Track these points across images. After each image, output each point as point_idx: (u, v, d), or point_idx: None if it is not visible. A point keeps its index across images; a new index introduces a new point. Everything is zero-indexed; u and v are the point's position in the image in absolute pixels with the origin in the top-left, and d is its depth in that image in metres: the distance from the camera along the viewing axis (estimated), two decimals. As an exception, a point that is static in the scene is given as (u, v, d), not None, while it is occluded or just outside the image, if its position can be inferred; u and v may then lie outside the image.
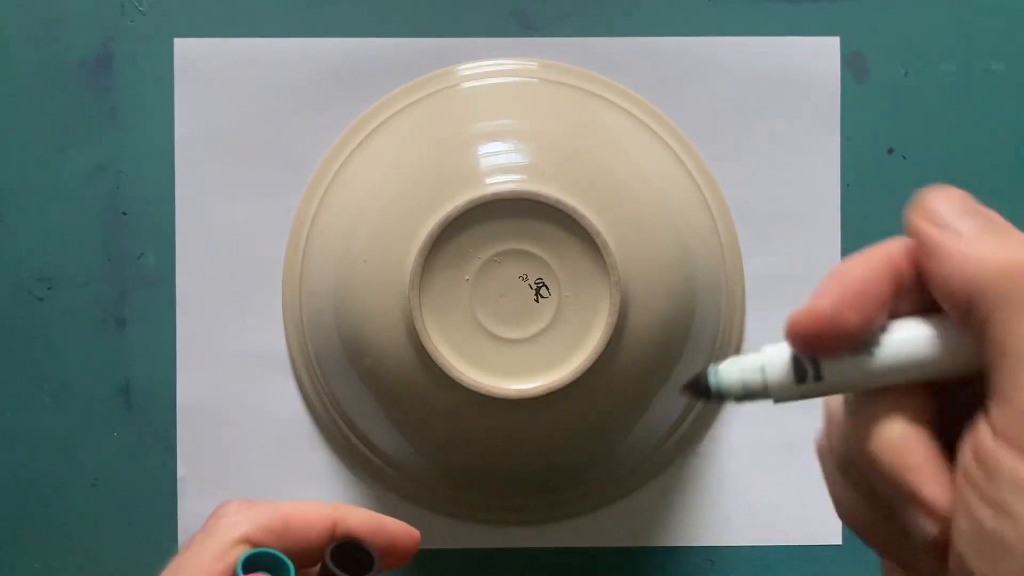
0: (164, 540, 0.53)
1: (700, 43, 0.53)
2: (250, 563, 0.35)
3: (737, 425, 0.53)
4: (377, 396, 0.48)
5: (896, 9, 0.53)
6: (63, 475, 0.53)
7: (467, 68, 0.53)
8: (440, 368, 0.44)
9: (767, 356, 0.26)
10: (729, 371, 0.27)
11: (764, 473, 0.53)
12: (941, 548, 0.25)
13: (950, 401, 0.26)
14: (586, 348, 0.45)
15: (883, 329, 0.26)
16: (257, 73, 0.53)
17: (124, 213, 0.53)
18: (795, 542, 0.53)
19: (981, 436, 0.24)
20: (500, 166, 0.46)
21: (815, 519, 0.53)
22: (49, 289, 0.53)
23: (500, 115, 0.50)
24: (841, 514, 0.28)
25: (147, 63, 0.53)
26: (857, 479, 0.27)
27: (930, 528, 0.25)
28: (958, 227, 0.25)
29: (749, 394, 0.27)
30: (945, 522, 0.24)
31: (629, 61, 0.53)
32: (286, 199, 0.53)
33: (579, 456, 0.49)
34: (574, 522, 0.53)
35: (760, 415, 0.53)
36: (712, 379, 0.27)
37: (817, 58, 0.53)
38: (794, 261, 0.53)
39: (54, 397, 0.53)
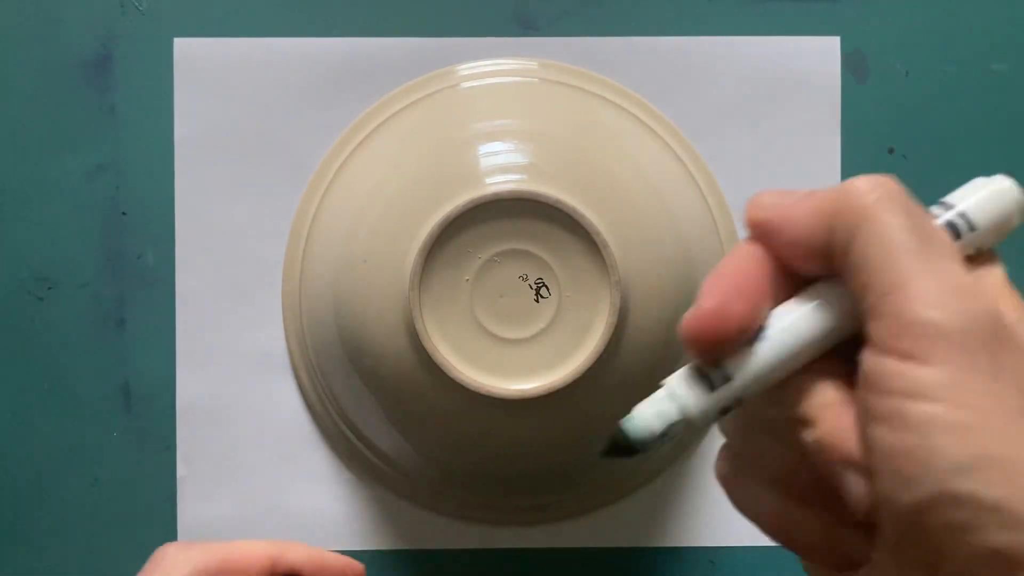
0: (164, 540, 0.53)
1: (700, 43, 0.53)
2: None
3: (737, 425, 0.53)
4: (377, 396, 0.48)
5: (896, 9, 0.53)
6: (63, 475, 0.53)
7: (467, 68, 0.53)
8: (440, 368, 0.44)
9: (670, 384, 0.26)
10: (641, 415, 0.26)
11: (764, 473, 0.53)
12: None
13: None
14: (586, 348, 0.45)
15: (768, 316, 0.26)
16: (257, 73, 0.53)
17: (124, 213, 0.53)
18: (795, 542, 0.53)
19: (866, 360, 0.24)
20: (500, 166, 0.46)
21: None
22: (49, 289, 0.53)
23: (500, 115, 0.50)
24: (767, 527, 0.28)
25: (147, 63, 0.53)
26: (781, 480, 0.27)
27: (866, 493, 0.24)
28: (784, 200, 0.26)
29: (670, 429, 0.26)
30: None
31: (629, 61, 0.53)
32: (286, 199, 0.53)
33: (579, 456, 0.49)
34: (574, 522, 0.53)
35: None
36: (629, 432, 0.26)
37: (817, 58, 0.53)
38: (794, 261, 0.53)
39: (54, 397, 0.53)
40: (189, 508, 0.53)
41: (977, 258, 0.26)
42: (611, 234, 0.45)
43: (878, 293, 0.24)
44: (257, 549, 0.38)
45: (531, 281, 0.45)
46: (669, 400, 0.26)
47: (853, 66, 0.53)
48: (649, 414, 0.26)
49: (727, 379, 0.26)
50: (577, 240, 0.45)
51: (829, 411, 0.25)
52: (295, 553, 0.39)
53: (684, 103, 0.53)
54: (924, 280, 0.23)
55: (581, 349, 0.45)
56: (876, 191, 0.25)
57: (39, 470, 0.53)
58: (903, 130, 0.53)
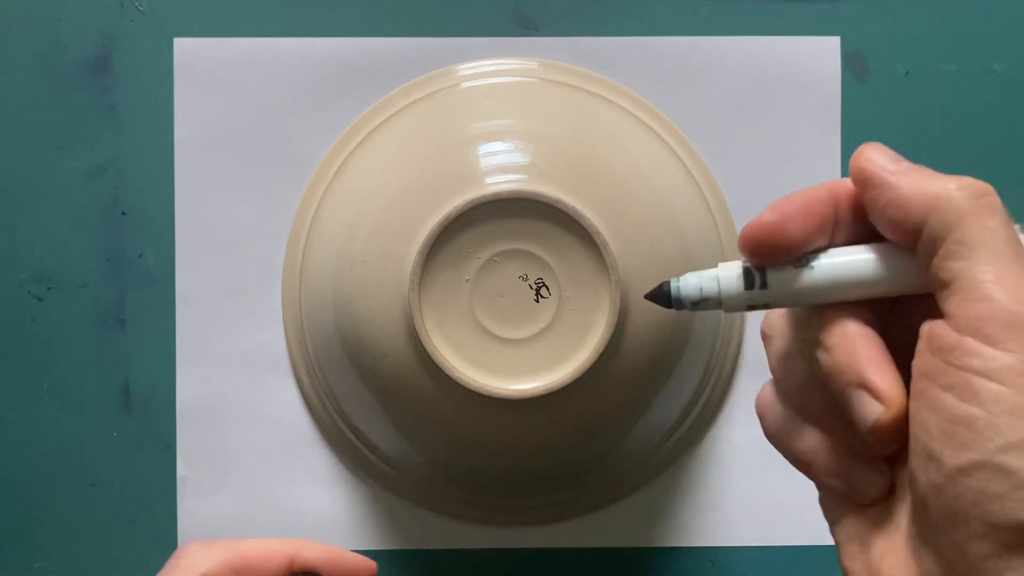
0: (164, 540, 0.53)
1: (700, 43, 0.53)
2: None
3: (737, 425, 0.53)
4: (377, 396, 0.48)
5: (896, 9, 0.53)
6: (63, 475, 0.53)
7: (467, 68, 0.53)
8: (440, 368, 0.44)
9: (722, 268, 0.30)
10: (688, 281, 0.30)
11: (764, 473, 0.53)
12: (886, 434, 0.27)
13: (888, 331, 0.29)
14: (586, 348, 0.45)
15: (823, 251, 0.29)
16: (257, 73, 0.53)
17: (124, 213, 0.53)
18: (795, 542, 0.53)
19: (939, 329, 0.26)
20: (500, 166, 0.46)
21: (815, 519, 0.53)
22: (49, 289, 0.53)
23: (500, 115, 0.50)
24: (788, 453, 0.31)
25: (147, 63, 0.53)
26: (801, 400, 0.30)
27: (875, 410, 0.27)
28: (895, 165, 0.29)
29: (705, 300, 0.30)
30: (890, 407, 0.27)
31: (629, 61, 0.53)
32: (286, 199, 0.53)
33: (579, 456, 0.49)
34: (574, 522, 0.53)
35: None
36: (673, 287, 0.30)
37: (817, 58, 0.53)
38: (794, 261, 0.53)
39: (54, 397, 0.53)
40: (189, 508, 0.53)
41: None
42: (611, 234, 0.45)
43: (969, 281, 0.26)
44: (275, 547, 0.39)
45: (531, 281, 0.45)
46: (713, 280, 0.30)
47: (853, 66, 0.53)
48: (693, 282, 0.30)
49: (764, 285, 0.29)
50: (577, 240, 0.45)
51: (845, 339, 0.28)
52: (311, 551, 0.40)
53: (684, 103, 0.53)
54: (1013, 279, 0.26)
55: (581, 349, 0.45)
56: (987, 197, 0.28)
57: (39, 470, 0.53)
58: (903, 130, 0.53)
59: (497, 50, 0.53)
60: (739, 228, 0.53)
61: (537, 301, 0.45)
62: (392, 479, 0.53)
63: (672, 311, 0.31)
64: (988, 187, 0.28)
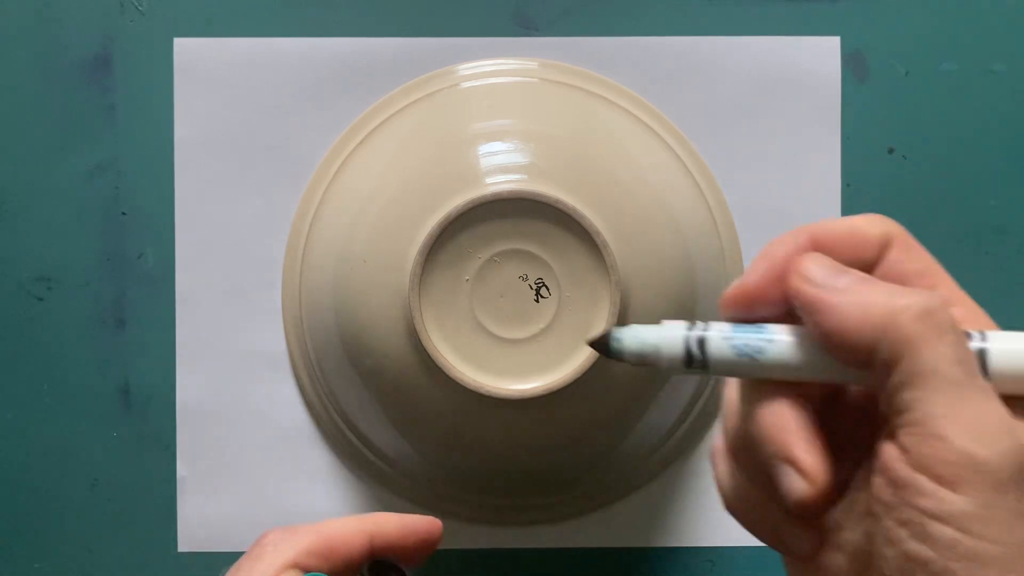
0: (164, 540, 0.53)
1: (700, 43, 0.53)
2: None
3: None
4: (377, 396, 0.48)
5: (896, 9, 0.53)
6: (63, 475, 0.53)
7: (467, 68, 0.53)
8: (440, 368, 0.44)
9: (664, 336, 0.29)
10: (630, 339, 0.29)
11: (764, 473, 0.53)
12: (808, 509, 0.27)
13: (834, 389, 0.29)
14: (586, 348, 0.45)
15: (761, 327, 0.29)
16: (257, 73, 0.53)
17: (124, 213, 0.53)
18: (795, 542, 0.53)
19: (893, 462, 0.26)
20: (500, 166, 0.46)
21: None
22: (49, 289, 0.53)
23: (500, 115, 0.50)
24: (729, 504, 0.30)
25: (147, 63, 0.53)
26: (743, 459, 0.29)
27: (799, 486, 0.27)
28: (835, 281, 0.27)
29: (643, 363, 0.29)
30: (813, 484, 0.27)
31: (629, 61, 0.53)
32: (286, 199, 0.53)
33: (579, 456, 0.49)
34: (574, 522, 0.53)
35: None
36: (613, 343, 0.29)
37: (817, 58, 0.53)
38: (794, 261, 0.53)
39: (54, 397, 0.53)
40: (189, 508, 0.53)
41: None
42: (611, 234, 0.45)
43: (921, 415, 0.26)
44: (356, 526, 0.38)
45: (531, 281, 0.45)
46: (653, 350, 0.29)
47: (853, 66, 0.53)
48: (635, 346, 0.29)
49: (704, 367, 0.29)
50: (577, 240, 0.45)
51: (774, 413, 0.28)
52: (389, 524, 0.39)
53: (684, 103, 0.53)
54: (967, 413, 0.25)
55: (581, 349, 0.45)
56: (935, 316, 0.26)
57: (39, 470, 0.53)
58: (903, 130, 0.53)
59: (497, 50, 0.53)
60: (739, 228, 0.53)
61: (537, 301, 0.45)
62: (392, 479, 0.53)
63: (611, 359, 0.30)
64: (935, 300, 0.27)
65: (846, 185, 0.53)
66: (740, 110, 0.53)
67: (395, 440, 0.50)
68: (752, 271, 0.29)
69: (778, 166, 0.53)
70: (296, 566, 0.36)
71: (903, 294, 0.27)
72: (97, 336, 0.53)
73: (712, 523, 0.53)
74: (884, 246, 0.29)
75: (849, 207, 0.53)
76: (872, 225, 0.29)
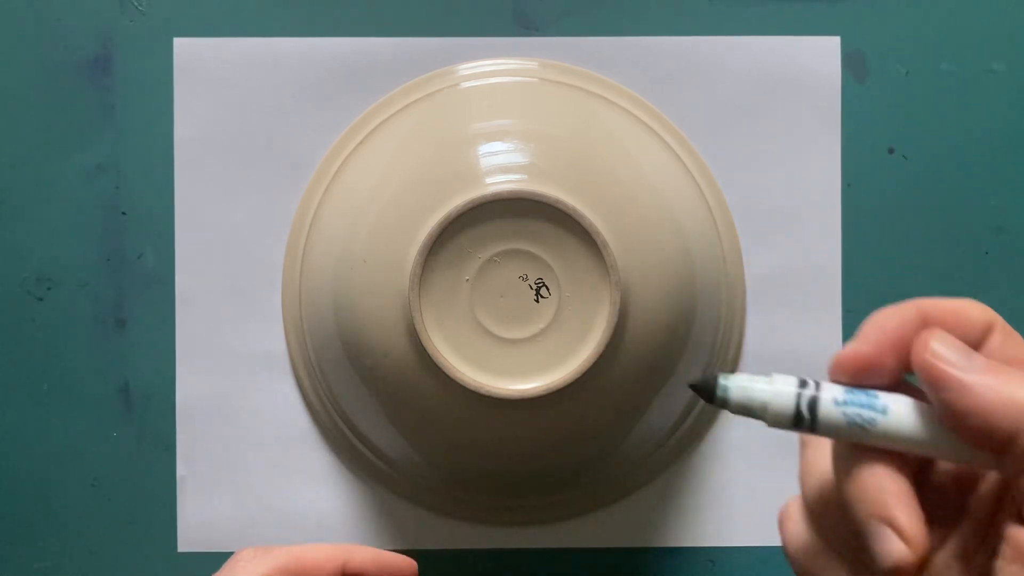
0: (164, 540, 0.53)
1: (700, 43, 0.53)
2: None
3: (737, 425, 0.53)
4: (377, 396, 0.48)
5: (896, 9, 0.53)
6: (63, 475, 0.53)
7: (467, 68, 0.53)
8: (440, 368, 0.44)
9: (774, 392, 0.29)
10: (737, 390, 0.29)
11: (764, 473, 0.53)
12: (903, 573, 0.27)
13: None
14: (586, 348, 0.45)
15: (874, 396, 0.29)
16: (257, 73, 0.53)
17: (124, 213, 0.53)
18: (795, 542, 0.53)
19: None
20: (500, 166, 0.46)
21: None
22: (49, 289, 0.53)
23: (500, 115, 0.50)
24: (798, 564, 0.31)
25: (147, 63, 0.53)
26: (825, 520, 0.30)
27: (898, 548, 0.27)
28: (968, 362, 0.28)
29: (747, 415, 0.29)
30: (913, 547, 0.27)
31: (629, 61, 0.53)
32: (286, 199, 0.53)
33: (579, 456, 0.49)
34: (574, 522, 0.53)
35: (760, 415, 0.53)
36: (719, 391, 0.29)
37: (817, 58, 0.53)
38: (794, 261, 0.53)
39: (54, 397, 0.53)
40: (189, 508, 0.53)
41: None
42: (611, 234, 0.45)
43: None
44: (329, 552, 0.40)
45: (531, 281, 0.45)
46: (762, 405, 0.29)
47: (853, 66, 0.53)
48: (741, 396, 0.29)
49: (813, 430, 0.29)
50: (577, 240, 0.45)
51: (875, 472, 0.28)
52: (362, 555, 0.41)
53: (684, 103, 0.53)
54: None
55: (581, 349, 0.45)
56: None
57: (39, 470, 0.53)
58: (903, 130, 0.53)
59: (497, 50, 0.53)
60: (739, 228, 0.53)
61: (537, 301, 0.45)
62: (392, 479, 0.53)
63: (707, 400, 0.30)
64: None
65: (846, 185, 0.53)
66: (740, 110, 0.53)
67: (395, 440, 0.50)
68: (864, 338, 0.29)
69: (778, 166, 0.53)
70: None
71: None
72: (97, 336, 0.53)
73: (712, 523, 0.53)
74: (987, 330, 0.29)
75: (849, 207, 0.53)
76: (975, 309, 0.30)
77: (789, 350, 0.53)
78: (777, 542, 0.53)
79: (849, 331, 0.53)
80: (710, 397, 0.29)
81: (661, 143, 0.52)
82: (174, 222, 0.53)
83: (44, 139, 0.53)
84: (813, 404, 0.29)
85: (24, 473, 0.53)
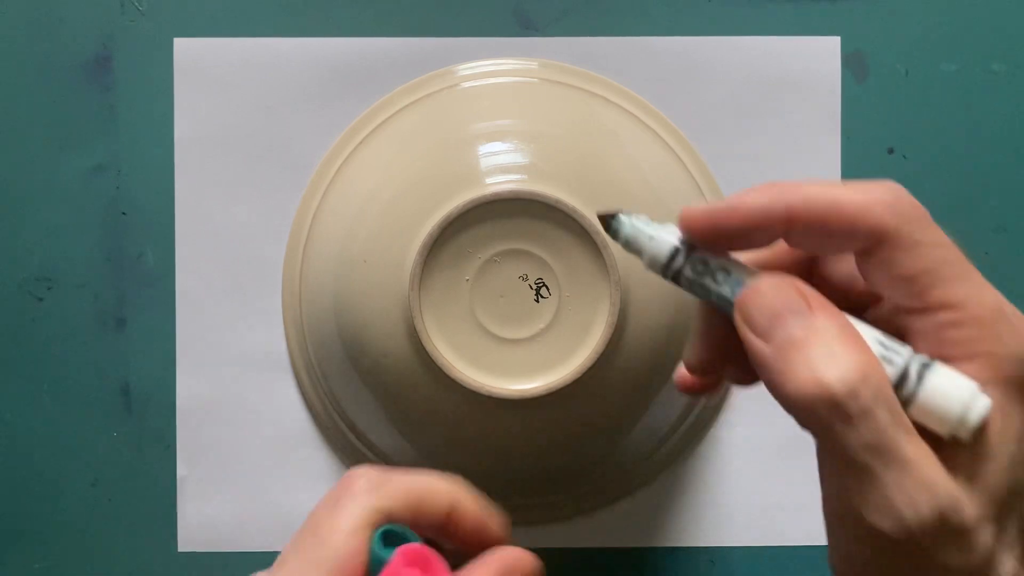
0: (164, 540, 0.53)
1: (700, 43, 0.53)
2: (384, 537, 0.34)
3: (737, 425, 0.53)
4: (377, 396, 0.48)
5: (896, 9, 0.53)
6: (63, 475, 0.53)
7: (467, 68, 0.53)
8: (440, 368, 0.44)
9: (657, 241, 0.32)
10: (628, 227, 0.33)
11: (764, 473, 0.53)
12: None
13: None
14: (586, 348, 0.45)
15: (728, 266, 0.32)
16: (257, 73, 0.53)
17: (124, 213, 0.53)
18: (795, 542, 0.53)
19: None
20: (500, 166, 0.46)
21: (815, 519, 0.53)
22: (49, 289, 0.53)
23: (500, 115, 0.50)
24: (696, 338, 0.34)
25: (147, 63, 0.53)
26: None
27: (682, 372, 0.35)
28: (780, 338, 0.29)
29: (630, 250, 0.33)
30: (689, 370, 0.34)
31: (629, 61, 0.53)
32: (286, 199, 0.53)
33: (579, 456, 0.49)
34: (574, 522, 0.53)
35: (760, 415, 0.53)
36: (615, 223, 0.33)
37: (817, 58, 0.53)
38: (794, 261, 0.53)
39: (54, 397, 0.53)
40: (189, 508, 0.53)
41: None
42: (611, 234, 0.45)
43: None
44: (443, 495, 0.36)
45: (531, 281, 0.45)
46: (651, 231, 0.33)
47: (853, 66, 0.53)
48: (629, 231, 0.33)
49: (676, 277, 0.33)
50: (577, 240, 0.45)
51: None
52: (467, 507, 0.37)
53: (684, 103, 0.53)
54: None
55: (581, 349, 0.45)
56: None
57: (39, 470, 0.53)
58: (903, 130, 0.53)
59: (497, 50, 0.53)
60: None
61: (537, 301, 0.45)
62: (392, 479, 0.53)
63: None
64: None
65: (846, 185, 0.53)
66: (740, 110, 0.53)
67: (395, 440, 0.50)
68: (716, 212, 0.31)
69: (778, 166, 0.53)
70: (384, 512, 0.34)
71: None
72: (97, 336, 0.53)
73: (712, 523, 0.53)
74: (876, 239, 0.30)
75: (849, 207, 0.53)
76: (863, 211, 0.30)
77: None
78: (777, 542, 0.53)
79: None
80: (607, 228, 0.33)
81: (661, 143, 0.52)
82: (174, 222, 0.53)
83: (44, 139, 0.53)
84: (677, 259, 0.32)
85: (24, 473, 0.53)
